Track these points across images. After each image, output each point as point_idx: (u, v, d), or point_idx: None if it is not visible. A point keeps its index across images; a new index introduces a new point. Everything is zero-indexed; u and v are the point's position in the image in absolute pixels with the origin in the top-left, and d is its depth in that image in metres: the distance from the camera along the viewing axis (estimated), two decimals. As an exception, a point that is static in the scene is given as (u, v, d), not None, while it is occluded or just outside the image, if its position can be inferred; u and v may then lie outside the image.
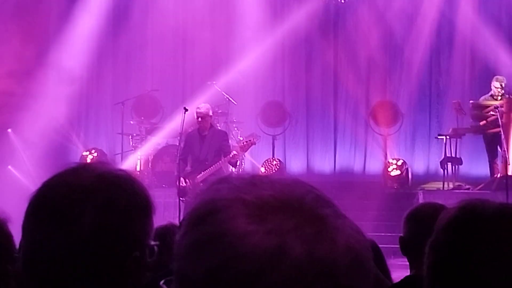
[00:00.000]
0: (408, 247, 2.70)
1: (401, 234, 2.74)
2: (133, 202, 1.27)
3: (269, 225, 0.74)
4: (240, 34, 12.29)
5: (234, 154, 8.52)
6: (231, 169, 10.22)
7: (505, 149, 9.43)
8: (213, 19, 12.27)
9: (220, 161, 8.58)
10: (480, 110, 10.12)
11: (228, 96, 11.12)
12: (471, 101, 10.58)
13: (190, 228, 0.78)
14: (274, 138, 12.33)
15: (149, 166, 11.08)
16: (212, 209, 0.77)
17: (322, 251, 0.74)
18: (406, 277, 2.72)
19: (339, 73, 12.63)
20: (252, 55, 11.96)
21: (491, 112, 9.92)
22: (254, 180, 0.79)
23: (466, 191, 10.34)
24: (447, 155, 10.99)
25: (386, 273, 3.42)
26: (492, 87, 10.30)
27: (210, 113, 8.85)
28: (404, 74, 12.30)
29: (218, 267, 0.73)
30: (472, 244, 1.11)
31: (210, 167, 8.56)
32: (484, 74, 11.45)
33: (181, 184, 8.52)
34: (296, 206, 0.76)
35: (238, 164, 9.31)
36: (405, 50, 12.19)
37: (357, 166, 12.67)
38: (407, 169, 11.38)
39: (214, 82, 11.19)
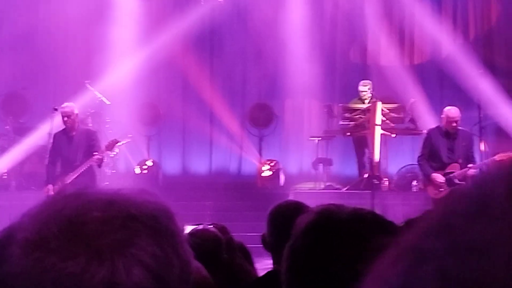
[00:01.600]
0: (269, 244, 2.76)
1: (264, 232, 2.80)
2: None
3: (31, 263, 0.71)
4: (116, 34, 12.06)
5: (96, 156, 8.32)
6: (109, 169, 10.01)
7: (371, 151, 9.85)
8: (88, 18, 11.96)
9: (87, 161, 8.38)
10: (349, 113, 10.52)
11: (101, 96, 10.88)
12: (340, 104, 10.97)
13: None
14: (149, 138, 12.21)
15: (17, 167, 10.66)
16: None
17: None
18: (267, 273, 2.79)
19: (215, 74, 12.70)
20: (128, 55, 11.79)
21: (359, 115, 10.35)
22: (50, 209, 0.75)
23: (336, 191, 10.70)
24: (319, 156, 11.35)
25: (253, 272, 3.51)
26: (359, 91, 10.74)
27: (76, 112, 8.63)
28: (279, 77, 12.56)
29: None
30: (329, 246, 1.16)
31: (78, 167, 8.36)
32: (354, 78, 11.90)
33: (49, 193, 8.19)
34: (74, 239, 0.72)
35: (104, 162, 9.10)
36: (279, 55, 12.46)
37: (233, 167, 12.79)
38: (279, 169, 11.63)
39: (87, 81, 10.93)
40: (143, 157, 11.84)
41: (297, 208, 2.76)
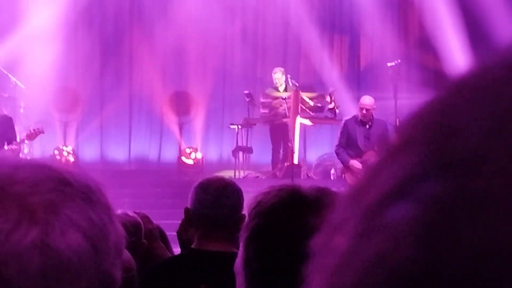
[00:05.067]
0: (194, 217, 2.69)
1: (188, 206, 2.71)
2: None
3: None
4: (31, 14, 11.66)
5: (11, 147, 7.93)
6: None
7: (291, 139, 9.95)
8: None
9: (2, 149, 8.02)
10: (270, 101, 10.58)
11: (15, 80, 10.53)
12: (261, 92, 11.01)
13: None
14: (66, 125, 11.91)
15: None
16: None
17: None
18: (189, 249, 2.72)
19: (134, 60, 12.50)
20: (42, 37, 11.43)
21: (280, 103, 10.42)
22: None
23: (256, 179, 10.75)
24: (239, 144, 11.36)
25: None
26: (274, 79, 10.79)
27: None
28: (199, 64, 12.48)
29: None
30: (301, 222, 1.17)
31: None
32: (274, 66, 11.97)
33: None
34: (2, 197, 0.68)
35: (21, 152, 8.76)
36: (200, 40, 12.38)
37: (152, 154, 12.66)
38: (201, 157, 11.59)
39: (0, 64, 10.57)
40: (60, 144, 11.55)
41: (223, 183, 2.72)
